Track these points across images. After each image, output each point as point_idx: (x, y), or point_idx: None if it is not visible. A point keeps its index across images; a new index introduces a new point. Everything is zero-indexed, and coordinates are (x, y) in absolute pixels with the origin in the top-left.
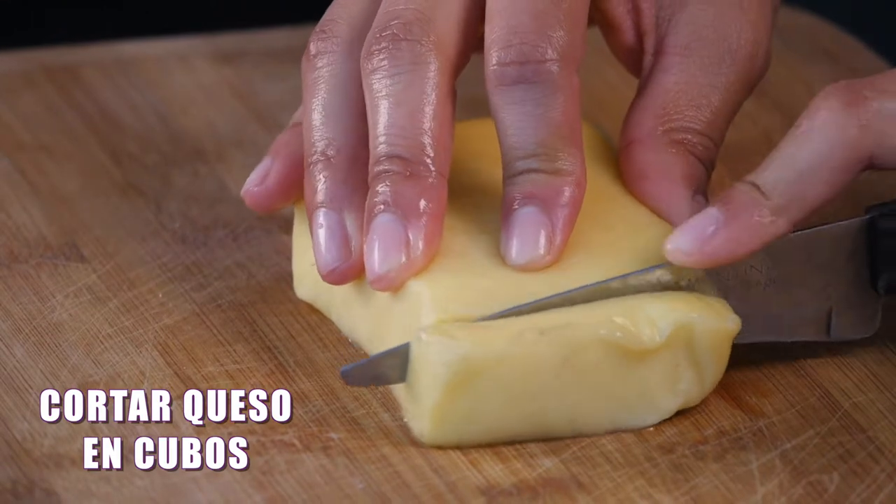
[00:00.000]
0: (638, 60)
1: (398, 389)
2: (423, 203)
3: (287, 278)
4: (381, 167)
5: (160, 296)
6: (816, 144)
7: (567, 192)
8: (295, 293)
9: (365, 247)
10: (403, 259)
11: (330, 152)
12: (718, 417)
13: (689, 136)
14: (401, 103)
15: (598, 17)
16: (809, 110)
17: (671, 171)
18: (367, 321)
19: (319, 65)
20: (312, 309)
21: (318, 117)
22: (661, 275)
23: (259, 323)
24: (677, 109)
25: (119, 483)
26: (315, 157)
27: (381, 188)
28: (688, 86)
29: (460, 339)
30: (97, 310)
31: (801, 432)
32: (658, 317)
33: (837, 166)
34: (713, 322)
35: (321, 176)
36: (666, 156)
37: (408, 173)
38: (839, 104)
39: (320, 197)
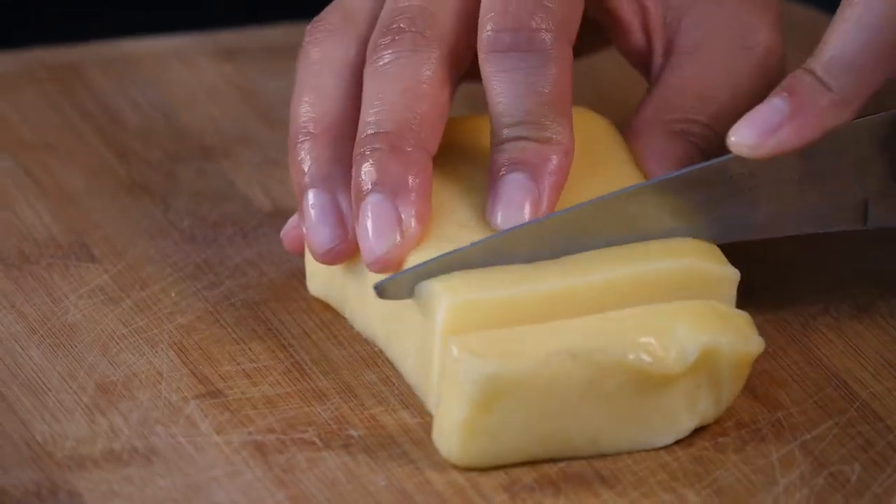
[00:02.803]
0: (648, 62)
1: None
2: (410, 179)
3: (299, 275)
4: (366, 145)
5: (173, 295)
6: (866, 28)
7: (555, 160)
8: (307, 290)
9: (357, 230)
10: (398, 238)
11: (316, 130)
12: (737, 409)
13: (690, 126)
14: (394, 81)
15: (606, 18)
16: None
17: (664, 156)
18: (381, 316)
19: (310, 51)
20: (326, 306)
21: (307, 98)
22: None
23: (273, 321)
24: (682, 103)
25: (142, 483)
26: (301, 136)
27: (365, 167)
28: (695, 81)
29: (489, 357)
30: (111, 310)
31: (819, 423)
32: (685, 339)
33: (891, 48)
34: (738, 345)
35: (309, 156)
36: (662, 140)
37: (390, 148)
38: None
39: (310, 177)
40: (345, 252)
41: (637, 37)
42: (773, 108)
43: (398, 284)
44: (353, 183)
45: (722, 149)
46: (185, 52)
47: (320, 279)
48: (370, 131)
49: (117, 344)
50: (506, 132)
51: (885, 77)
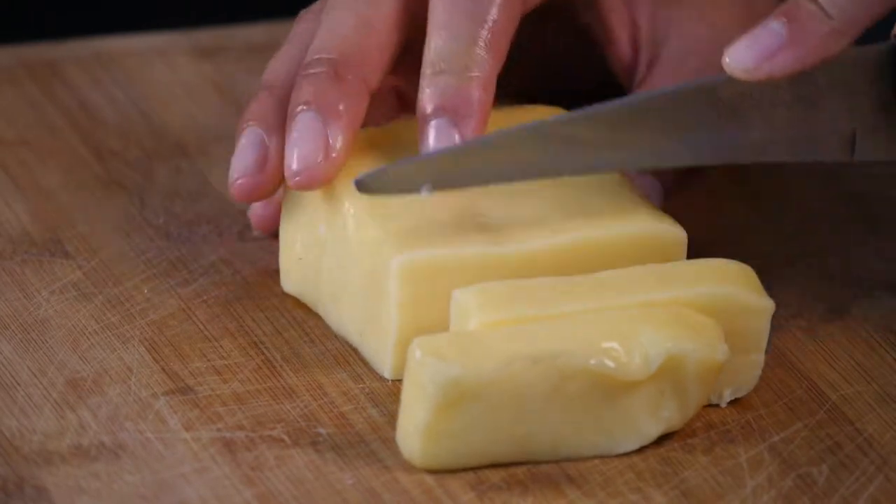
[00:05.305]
0: (631, 72)
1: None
2: (342, 105)
3: (272, 273)
4: (308, 69)
5: (146, 291)
6: None
7: (475, 97)
8: (281, 288)
9: (286, 145)
10: (321, 158)
11: (275, 83)
12: (706, 410)
13: None
14: (348, 14)
15: (596, 25)
16: None
17: None
18: (356, 314)
19: (296, 27)
20: (298, 304)
21: (274, 60)
22: None
23: (245, 318)
24: None
25: (109, 479)
26: (262, 87)
27: (305, 88)
28: None
29: (452, 360)
30: (83, 306)
31: (789, 425)
32: (650, 345)
33: None
34: (703, 353)
35: (255, 103)
36: None
37: (332, 73)
38: None
39: (250, 115)
40: (258, 185)
41: (624, 48)
42: (771, 32)
43: (378, 178)
44: (290, 101)
45: None
46: (164, 50)
47: (294, 277)
48: (314, 56)
49: (88, 340)
50: (434, 61)
51: (888, 7)
